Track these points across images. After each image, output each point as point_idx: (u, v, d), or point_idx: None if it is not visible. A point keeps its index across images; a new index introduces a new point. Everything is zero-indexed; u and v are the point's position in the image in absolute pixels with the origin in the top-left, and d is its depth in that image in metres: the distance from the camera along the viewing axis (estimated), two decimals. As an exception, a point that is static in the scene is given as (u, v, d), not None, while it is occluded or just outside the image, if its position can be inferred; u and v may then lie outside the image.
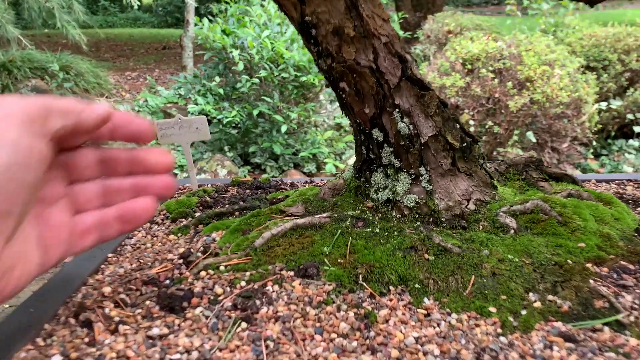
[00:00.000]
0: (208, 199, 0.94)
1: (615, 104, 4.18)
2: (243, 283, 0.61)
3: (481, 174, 0.75)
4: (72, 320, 0.57)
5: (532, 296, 0.59)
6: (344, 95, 0.73)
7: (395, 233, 0.70)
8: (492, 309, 0.57)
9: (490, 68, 3.71)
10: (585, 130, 3.83)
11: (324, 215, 0.73)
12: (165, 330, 0.54)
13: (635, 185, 1.00)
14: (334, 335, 0.53)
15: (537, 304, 0.58)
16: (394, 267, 0.64)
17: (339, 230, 0.70)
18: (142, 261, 0.71)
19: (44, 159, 0.41)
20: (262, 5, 3.94)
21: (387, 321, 0.56)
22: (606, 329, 0.54)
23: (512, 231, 0.70)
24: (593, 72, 4.15)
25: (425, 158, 0.72)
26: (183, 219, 0.87)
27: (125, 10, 14.02)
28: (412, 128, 0.70)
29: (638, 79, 4.20)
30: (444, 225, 0.72)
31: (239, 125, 3.69)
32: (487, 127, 3.60)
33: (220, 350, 0.51)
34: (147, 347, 0.51)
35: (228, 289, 0.61)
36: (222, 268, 0.65)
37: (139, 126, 0.51)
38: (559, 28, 5.02)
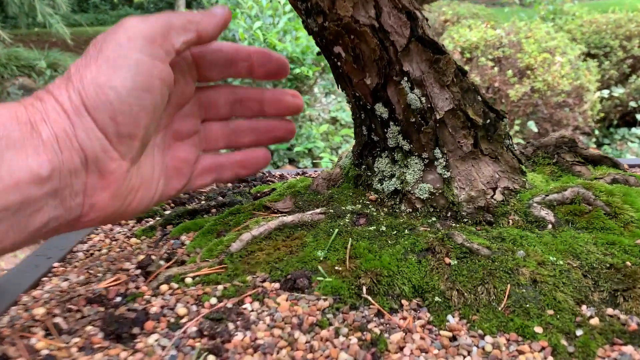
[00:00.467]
0: (182, 194, 0.80)
1: (618, 91, 4.07)
2: (213, 300, 0.47)
3: (508, 157, 0.62)
4: (-13, 355, 0.43)
5: (586, 310, 0.46)
6: (339, 63, 0.59)
7: (406, 232, 0.56)
8: (538, 329, 0.44)
9: (490, 56, 3.58)
10: (587, 119, 3.72)
11: (318, 211, 0.60)
12: (107, 368, 0.40)
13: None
14: (331, 371, 0.40)
15: (595, 321, 0.45)
16: (407, 275, 0.50)
17: (336, 230, 0.56)
18: (92, 272, 0.57)
19: (166, 82, 0.42)
20: (253, -4, 3.79)
21: (401, 349, 0.42)
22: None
23: (550, 226, 0.57)
24: (594, 60, 4.04)
25: (441, 138, 0.58)
26: (150, 218, 0.73)
27: (117, 8, 13.79)
28: (424, 101, 0.57)
29: (641, 65, 4.08)
30: (465, 220, 0.58)
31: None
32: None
33: (178, 396, 0.37)
34: (77, 395, 0.37)
35: (194, 308, 0.47)
36: (188, 280, 0.51)
37: (278, 61, 0.53)
38: (558, 15, 4.90)
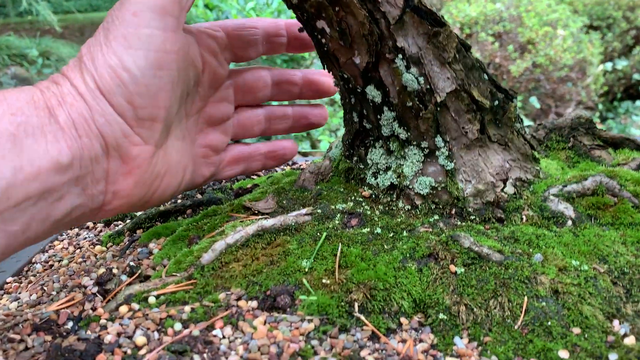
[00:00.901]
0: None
1: (621, 64, 3.97)
2: (178, 326, 0.40)
3: (519, 144, 0.54)
4: None
5: (619, 327, 0.39)
6: (324, 41, 0.51)
7: (405, 233, 0.49)
8: (563, 354, 0.37)
9: (490, 32, 3.48)
10: (591, 94, 3.64)
11: (303, 212, 0.52)
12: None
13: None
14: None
15: (631, 341, 0.37)
16: (406, 287, 0.43)
17: (324, 234, 0.49)
18: (46, 289, 0.50)
19: (181, 55, 0.41)
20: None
21: (401, 384, 0.35)
22: None
23: (570, 222, 0.49)
24: (597, 32, 3.93)
25: (442, 124, 0.50)
26: (120, 221, 0.66)
27: (110, -7, 13.58)
28: (422, 82, 0.49)
29: (645, 37, 3.98)
30: (472, 218, 0.51)
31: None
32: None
33: None
34: None
35: (155, 335, 0.40)
36: (151, 300, 0.44)
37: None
38: (559, -13, 4.77)
